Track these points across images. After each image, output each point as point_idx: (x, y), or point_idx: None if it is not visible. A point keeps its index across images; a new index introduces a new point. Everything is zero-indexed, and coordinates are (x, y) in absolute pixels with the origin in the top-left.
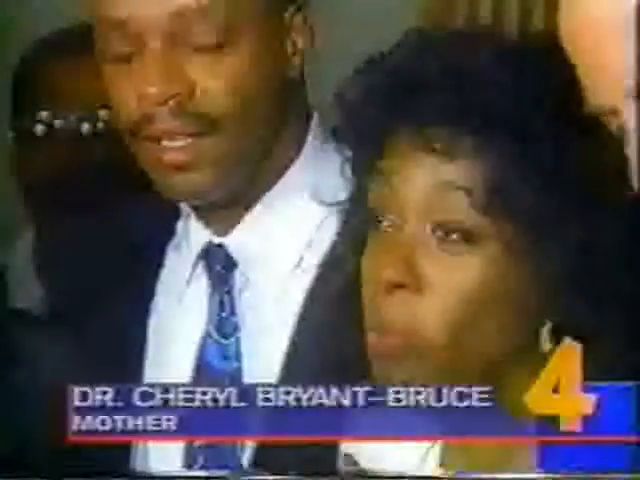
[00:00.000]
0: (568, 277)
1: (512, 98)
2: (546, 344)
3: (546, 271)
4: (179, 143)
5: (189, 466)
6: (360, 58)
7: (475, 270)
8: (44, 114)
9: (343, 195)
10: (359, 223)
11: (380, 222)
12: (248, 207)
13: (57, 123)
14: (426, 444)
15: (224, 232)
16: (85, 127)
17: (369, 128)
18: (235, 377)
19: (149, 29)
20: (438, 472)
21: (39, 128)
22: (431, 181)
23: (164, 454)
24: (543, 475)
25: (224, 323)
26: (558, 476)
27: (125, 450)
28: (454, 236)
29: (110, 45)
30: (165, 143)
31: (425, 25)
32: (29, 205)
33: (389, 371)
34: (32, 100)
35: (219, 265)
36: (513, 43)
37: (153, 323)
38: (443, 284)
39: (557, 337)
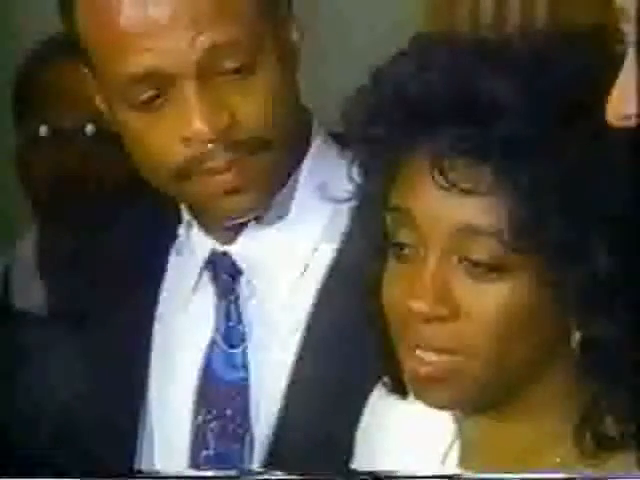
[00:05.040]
0: (595, 303)
1: (534, 128)
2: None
3: (574, 298)
4: (231, 172)
5: (196, 466)
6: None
7: (507, 295)
8: (48, 115)
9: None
10: (377, 233)
11: (401, 249)
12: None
13: (61, 124)
14: (445, 445)
15: (229, 240)
16: (89, 128)
17: (380, 152)
18: (241, 387)
19: (181, 71)
20: (457, 472)
21: (43, 129)
22: (454, 221)
23: (170, 454)
24: (543, 475)
25: (231, 332)
26: (559, 476)
27: (131, 449)
28: (481, 269)
29: (136, 94)
30: (218, 177)
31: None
32: (32, 206)
33: (430, 394)
34: (36, 101)
35: (225, 273)
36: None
37: (158, 330)
38: (477, 310)
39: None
